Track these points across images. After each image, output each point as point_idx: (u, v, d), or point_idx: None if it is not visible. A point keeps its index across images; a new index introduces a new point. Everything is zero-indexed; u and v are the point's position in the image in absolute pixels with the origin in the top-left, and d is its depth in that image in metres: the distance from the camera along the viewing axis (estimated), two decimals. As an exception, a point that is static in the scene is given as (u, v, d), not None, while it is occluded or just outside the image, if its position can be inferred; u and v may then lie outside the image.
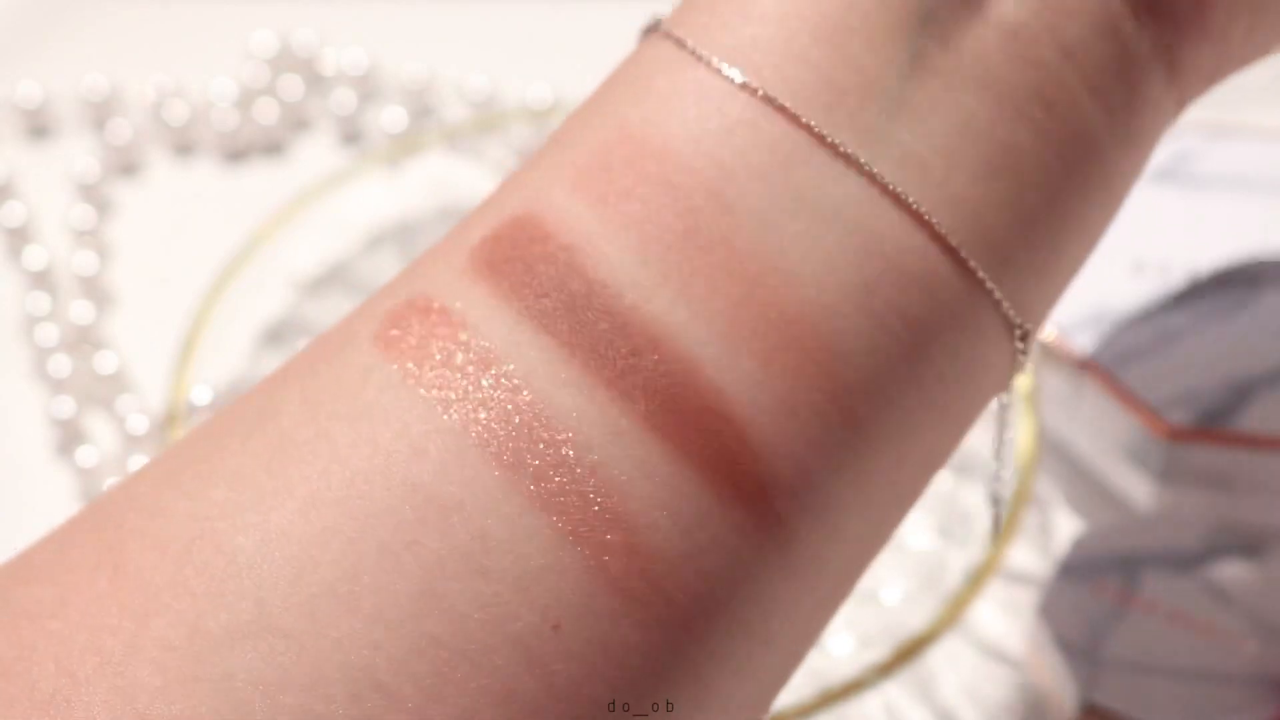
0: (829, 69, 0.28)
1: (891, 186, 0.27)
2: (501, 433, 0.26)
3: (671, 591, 0.26)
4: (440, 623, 0.25)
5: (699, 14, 0.29)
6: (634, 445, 0.26)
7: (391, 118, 0.58)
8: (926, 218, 0.27)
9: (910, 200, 0.27)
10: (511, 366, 0.26)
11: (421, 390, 0.26)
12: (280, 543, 0.25)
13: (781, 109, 0.27)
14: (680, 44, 0.29)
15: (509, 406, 0.26)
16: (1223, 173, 0.49)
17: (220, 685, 0.24)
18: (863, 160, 0.27)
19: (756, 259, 0.27)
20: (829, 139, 0.27)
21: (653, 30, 0.29)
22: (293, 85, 0.59)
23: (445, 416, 0.26)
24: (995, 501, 0.34)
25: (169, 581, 0.25)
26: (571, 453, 0.26)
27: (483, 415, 0.26)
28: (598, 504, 0.26)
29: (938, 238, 0.28)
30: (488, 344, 0.26)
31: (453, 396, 0.26)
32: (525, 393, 0.26)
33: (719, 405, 0.26)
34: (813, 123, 0.27)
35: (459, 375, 0.26)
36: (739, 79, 0.28)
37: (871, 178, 0.27)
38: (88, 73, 0.59)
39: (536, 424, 0.26)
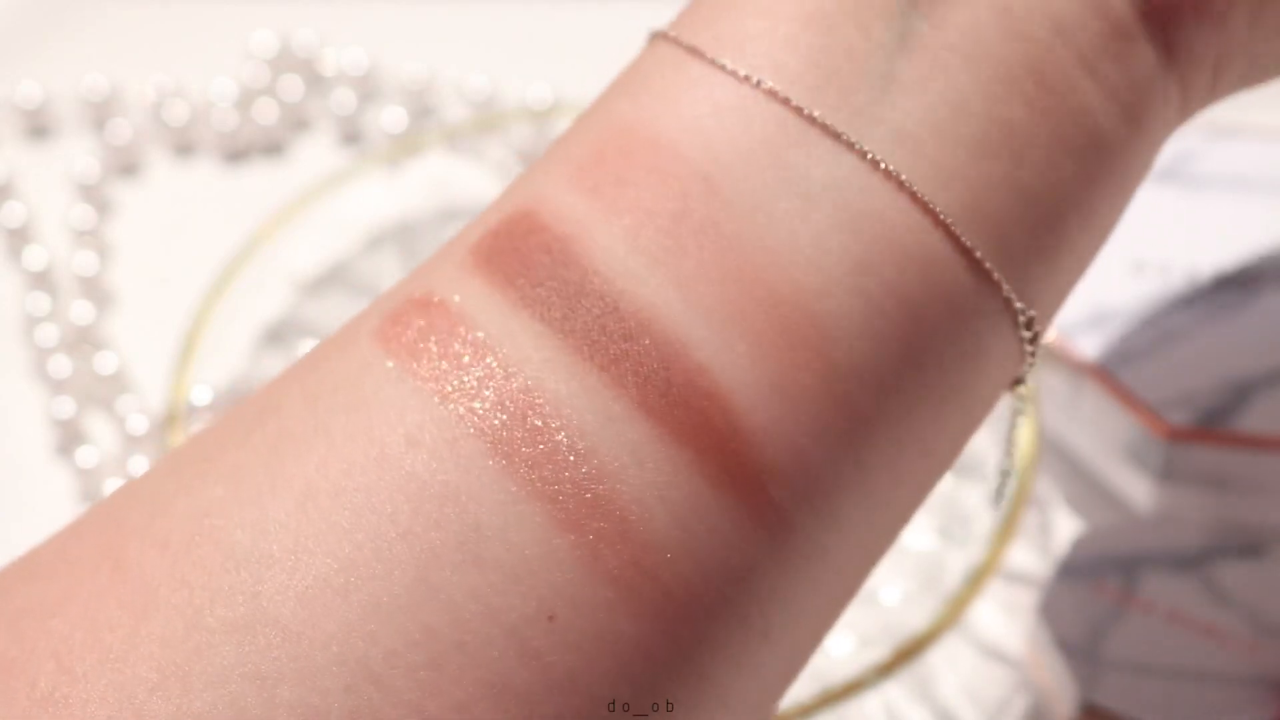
0: (818, 52, 0.28)
1: (882, 163, 0.27)
2: (495, 421, 0.26)
3: (667, 582, 0.26)
4: (435, 613, 0.25)
5: (697, 15, 0.29)
6: (626, 430, 0.26)
7: (391, 118, 0.58)
8: (918, 194, 0.27)
9: (902, 176, 0.27)
10: (506, 354, 0.26)
11: (418, 382, 0.26)
12: (277, 536, 0.25)
13: (771, 93, 0.28)
14: (677, 44, 0.29)
15: (503, 395, 0.26)
16: (1223, 173, 0.49)
17: (216, 680, 0.25)
18: (852, 138, 0.27)
19: (745, 240, 0.27)
20: (818, 119, 0.27)
21: (655, 36, 0.30)
22: (293, 85, 0.59)
23: (440, 407, 0.26)
24: (1003, 475, 0.33)
25: (168, 577, 0.26)
26: (564, 439, 0.26)
27: (477, 405, 0.26)
28: (590, 492, 0.26)
29: (930, 213, 0.27)
30: (483, 334, 0.27)
31: (448, 387, 0.26)
32: (519, 380, 0.26)
33: (710, 388, 0.26)
34: (801, 104, 0.27)
35: (454, 365, 0.26)
36: (730, 68, 0.28)
37: (861, 155, 0.27)
38: (88, 73, 0.59)
39: (530, 412, 0.26)
